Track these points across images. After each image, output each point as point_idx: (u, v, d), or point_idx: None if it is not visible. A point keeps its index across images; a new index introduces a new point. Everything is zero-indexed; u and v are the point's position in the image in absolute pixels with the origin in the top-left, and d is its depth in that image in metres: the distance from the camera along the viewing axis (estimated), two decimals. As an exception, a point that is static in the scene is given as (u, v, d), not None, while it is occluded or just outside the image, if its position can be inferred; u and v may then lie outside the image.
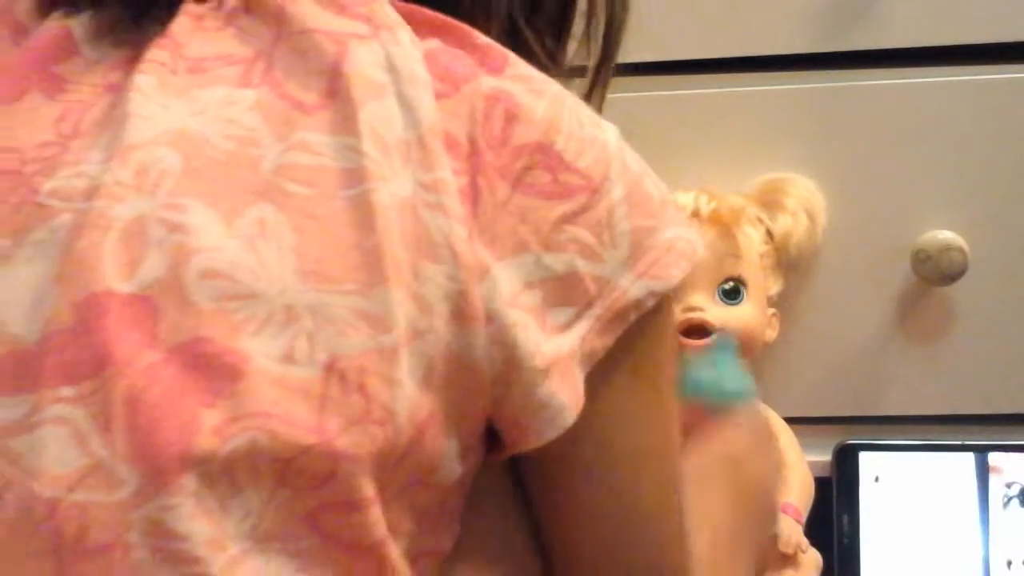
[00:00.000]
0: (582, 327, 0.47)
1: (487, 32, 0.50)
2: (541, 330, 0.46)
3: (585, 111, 0.49)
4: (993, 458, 0.87)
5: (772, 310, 0.87)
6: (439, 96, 0.46)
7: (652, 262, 0.48)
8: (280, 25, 0.48)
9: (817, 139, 0.88)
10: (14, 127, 0.46)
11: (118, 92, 0.46)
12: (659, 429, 0.52)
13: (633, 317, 0.48)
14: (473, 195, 0.45)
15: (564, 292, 0.47)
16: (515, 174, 0.46)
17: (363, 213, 0.44)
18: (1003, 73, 0.86)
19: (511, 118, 0.46)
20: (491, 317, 0.45)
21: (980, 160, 0.86)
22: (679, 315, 0.83)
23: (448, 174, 0.45)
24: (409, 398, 0.44)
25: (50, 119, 0.46)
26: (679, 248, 0.48)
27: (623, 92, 0.87)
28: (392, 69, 0.46)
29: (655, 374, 0.51)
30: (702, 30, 0.87)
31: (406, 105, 0.45)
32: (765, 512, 0.68)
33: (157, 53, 0.47)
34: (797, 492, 0.83)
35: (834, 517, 0.88)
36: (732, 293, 0.84)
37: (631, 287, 0.47)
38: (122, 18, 0.49)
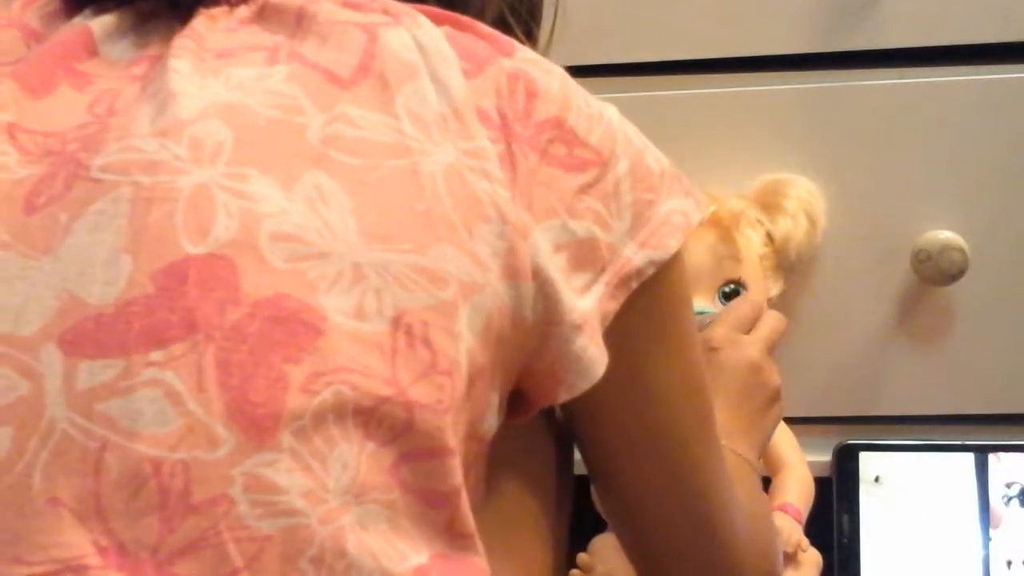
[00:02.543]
0: (598, 290, 0.50)
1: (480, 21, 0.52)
2: (571, 289, 0.49)
3: (585, 92, 0.51)
4: (993, 458, 0.87)
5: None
6: (466, 74, 0.48)
7: (652, 232, 0.51)
8: (300, 21, 0.49)
9: (817, 139, 0.88)
10: (50, 116, 0.47)
11: (146, 79, 0.48)
12: (680, 374, 0.56)
13: (635, 284, 0.51)
14: (511, 161, 0.48)
15: (585, 256, 0.50)
16: (541, 146, 0.49)
17: (411, 181, 0.46)
18: (1003, 73, 0.85)
19: (531, 94, 0.49)
20: (536, 272, 0.48)
21: (980, 160, 0.86)
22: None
23: (486, 142, 0.47)
24: (470, 350, 0.46)
25: (83, 105, 0.48)
26: (675, 221, 0.52)
27: (623, 92, 0.87)
28: (421, 48, 0.48)
29: (662, 333, 0.55)
30: (702, 30, 0.87)
31: (439, 82, 0.48)
32: (753, 387, 0.72)
33: (184, 42, 0.49)
34: (797, 492, 0.83)
35: (834, 517, 0.88)
36: (732, 296, 0.84)
37: (634, 256, 0.51)
38: (142, 18, 0.50)
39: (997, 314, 0.88)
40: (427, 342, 0.45)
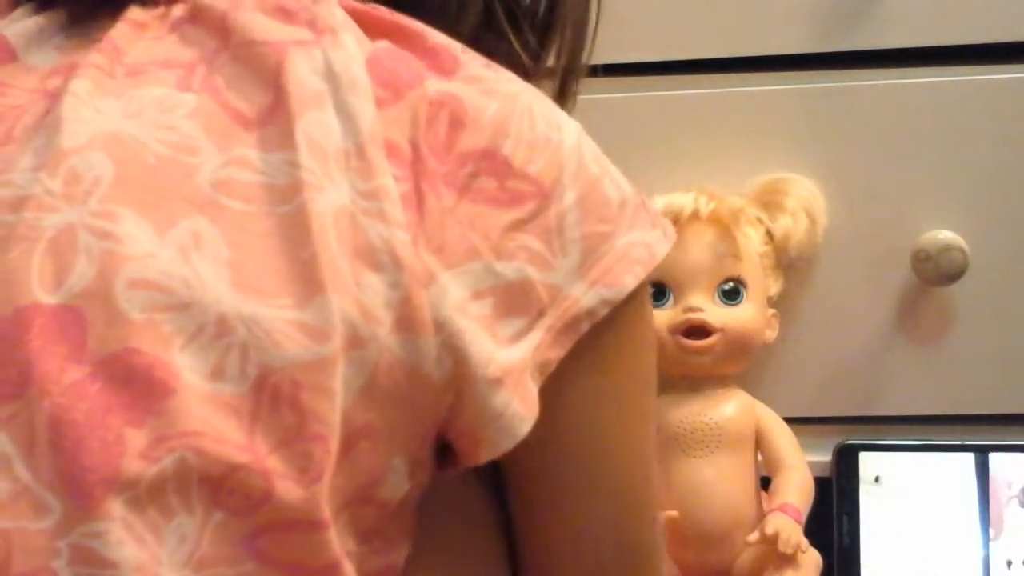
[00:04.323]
0: (534, 338, 0.46)
1: (459, 27, 0.49)
2: (492, 340, 0.45)
3: (543, 109, 0.47)
4: (993, 458, 0.87)
5: (772, 310, 0.87)
6: (380, 103, 0.45)
7: (605, 270, 0.46)
8: (223, 36, 0.47)
9: (817, 139, 0.88)
10: None
11: (54, 98, 0.45)
12: (626, 434, 0.51)
13: (586, 326, 0.46)
14: (417, 201, 0.44)
15: (516, 300, 0.45)
16: (461, 181, 0.45)
17: (299, 225, 0.42)
18: (1003, 73, 0.86)
19: (456, 124, 0.45)
20: (440, 325, 0.43)
21: (980, 160, 0.86)
22: (678, 316, 0.83)
23: (389, 181, 0.44)
24: (346, 409, 0.42)
25: None
26: (634, 255, 0.47)
27: (623, 92, 0.87)
28: (331, 76, 0.45)
29: (616, 381, 0.50)
30: (702, 30, 0.87)
31: (345, 113, 0.44)
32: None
33: (95, 57, 0.46)
34: (797, 492, 0.83)
35: (834, 517, 0.88)
36: (732, 294, 0.84)
37: (583, 296, 0.46)
38: (65, 21, 0.48)
39: (997, 314, 0.88)
40: (295, 404, 0.41)
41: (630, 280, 0.47)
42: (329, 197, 0.43)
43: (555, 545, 0.52)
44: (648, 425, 0.52)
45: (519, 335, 0.45)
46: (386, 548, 0.47)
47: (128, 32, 0.47)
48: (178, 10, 0.48)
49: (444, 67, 0.46)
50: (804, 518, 0.83)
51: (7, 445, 0.40)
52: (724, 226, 0.84)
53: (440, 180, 0.44)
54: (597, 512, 0.51)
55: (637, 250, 0.47)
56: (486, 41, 0.50)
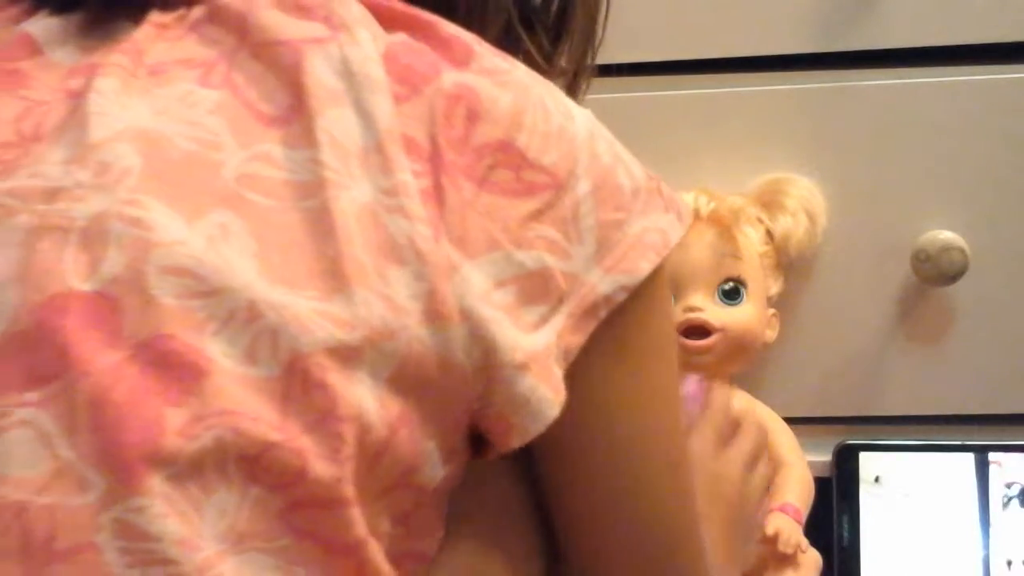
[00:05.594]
0: (556, 323, 0.47)
1: (483, 32, 0.50)
2: (516, 327, 0.46)
3: (556, 100, 0.48)
4: (993, 458, 0.87)
5: (772, 310, 0.87)
6: (398, 99, 0.46)
7: (620, 256, 0.48)
8: (241, 34, 0.47)
9: (817, 139, 0.88)
10: None
11: (79, 98, 0.46)
12: (652, 416, 0.52)
13: (604, 312, 0.48)
14: (438, 195, 0.45)
15: (537, 288, 0.46)
16: (480, 173, 0.46)
17: (323, 222, 0.44)
18: (1003, 73, 0.86)
19: (473, 117, 0.46)
20: (466, 314, 0.45)
21: (980, 160, 0.86)
22: (679, 316, 0.83)
23: (408, 176, 0.44)
24: (378, 397, 0.44)
25: (10, 116, 0.46)
26: (647, 241, 0.48)
27: (623, 92, 0.87)
28: (348, 74, 0.46)
29: (639, 364, 0.51)
30: (702, 30, 0.87)
31: (363, 111, 0.45)
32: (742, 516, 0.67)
33: (118, 57, 0.47)
34: (797, 492, 0.83)
35: (834, 517, 0.88)
36: (732, 293, 0.84)
37: (599, 282, 0.47)
38: (89, 22, 0.49)
39: (997, 314, 0.88)
40: (325, 387, 0.42)
41: (645, 266, 0.48)
42: (352, 195, 0.44)
43: (591, 532, 0.54)
44: (672, 406, 0.53)
45: (542, 321, 0.47)
46: (419, 532, 0.48)
47: (150, 33, 0.48)
48: (197, 12, 0.48)
49: (458, 58, 0.47)
50: (804, 518, 0.83)
51: (48, 424, 0.41)
52: (724, 226, 0.84)
53: (459, 172, 0.45)
54: (630, 496, 0.53)
55: (651, 235, 0.48)
56: (503, 46, 0.51)
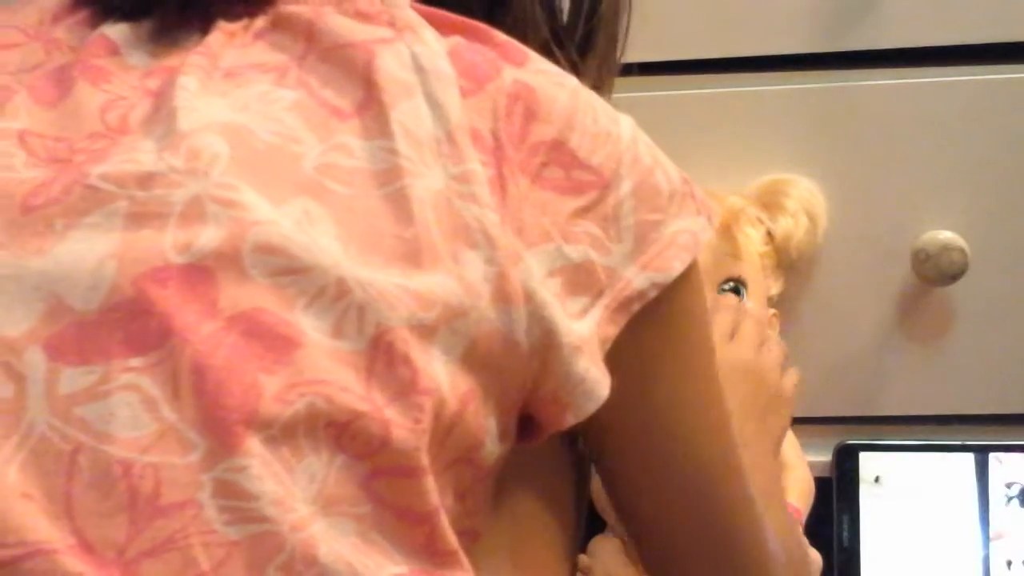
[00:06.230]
0: (595, 314, 0.49)
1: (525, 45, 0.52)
2: (566, 314, 0.48)
3: (600, 104, 0.51)
4: (993, 458, 0.87)
5: (772, 310, 0.87)
6: (464, 93, 0.48)
7: (655, 255, 0.50)
8: (309, 40, 0.50)
9: (817, 139, 0.88)
10: (61, 121, 0.48)
11: (159, 96, 0.48)
12: (686, 408, 0.55)
13: (637, 307, 0.50)
14: (501, 185, 0.47)
15: (581, 280, 0.49)
16: (534, 169, 0.48)
17: (400, 207, 0.46)
18: (1003, 73, 0.85)
19: (530, 115, 0.49)
20: (528, 296, 0.47)
21: (980, 160, 0.86)
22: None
23: (477, 166, 0.47)
24: (451, 372, 0.46)
25: (95, 108, 0.48)
26: (681, 242, 0.51)
27: (623, 92, 0.87)
28: (419, 68, 0.48)
29: (674, 357, 0.54)
30: (702, 30, 0.87)
31: (434, 103, 0.48)
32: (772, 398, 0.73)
33: (196, 59, 0.49)
34: (797, 492, 0.83)
35: (834, 517, 0.88)
36: (732, 293, 0.84)
37: (635, 278, 0.50)
38: (158, 30, 0.51)
39: (997, 314, 0.88)
40: (408, 361, 0.45)
41: (678, 265, 0.51)
42: (426, 183, 0.47)
43: (645, 525, 0.59)
44: (707, 402, 0.56)
45: (584, 311, 0.49)
46: (474, 509, 0.50)
47: (221, 40, 0.50)
48: (260, 21, 0.51)
49: (515, 58, 0.50)
50: (804, 518, 0.83)
51: (153, 389, 0.43)
52: (724, 226, 0.84)
53: (517, 167, 0.48)
54: (677, 487, 0.56)
55: (683, 237, 0.51)
56: None
